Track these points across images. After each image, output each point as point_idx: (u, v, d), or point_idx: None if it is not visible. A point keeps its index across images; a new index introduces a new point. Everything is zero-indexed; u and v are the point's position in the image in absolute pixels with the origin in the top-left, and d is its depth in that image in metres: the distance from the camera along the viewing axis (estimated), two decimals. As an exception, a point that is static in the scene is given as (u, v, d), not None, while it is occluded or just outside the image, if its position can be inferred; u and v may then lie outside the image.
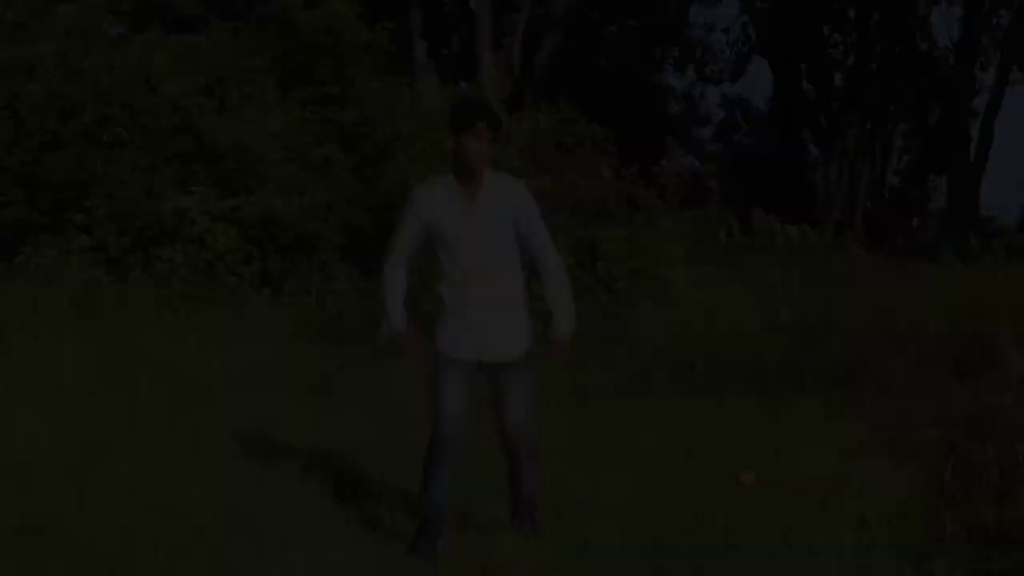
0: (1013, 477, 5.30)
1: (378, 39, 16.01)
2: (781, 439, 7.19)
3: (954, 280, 9.96)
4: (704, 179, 15.03)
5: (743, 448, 7.01)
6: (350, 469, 6.54)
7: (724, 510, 5.56)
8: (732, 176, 35.20)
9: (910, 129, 33.21)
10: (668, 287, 10.17)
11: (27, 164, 13.81)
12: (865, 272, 9.76)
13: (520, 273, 5.13)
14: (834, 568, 4.78)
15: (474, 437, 5.42)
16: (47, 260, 12.65)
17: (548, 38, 22.92)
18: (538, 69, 22.97)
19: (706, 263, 10.97)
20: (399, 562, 5.13)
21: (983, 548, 4.68)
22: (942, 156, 30.20)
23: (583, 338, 9.94)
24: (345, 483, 6.21)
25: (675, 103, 39.78)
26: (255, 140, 13.24)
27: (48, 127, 13.78)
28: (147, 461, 6.54)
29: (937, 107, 28.61)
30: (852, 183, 27.65)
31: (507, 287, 5.08)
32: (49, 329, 10.50)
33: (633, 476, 6.41)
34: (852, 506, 5.59)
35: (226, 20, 18.18)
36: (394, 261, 5.19)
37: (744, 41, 34.18)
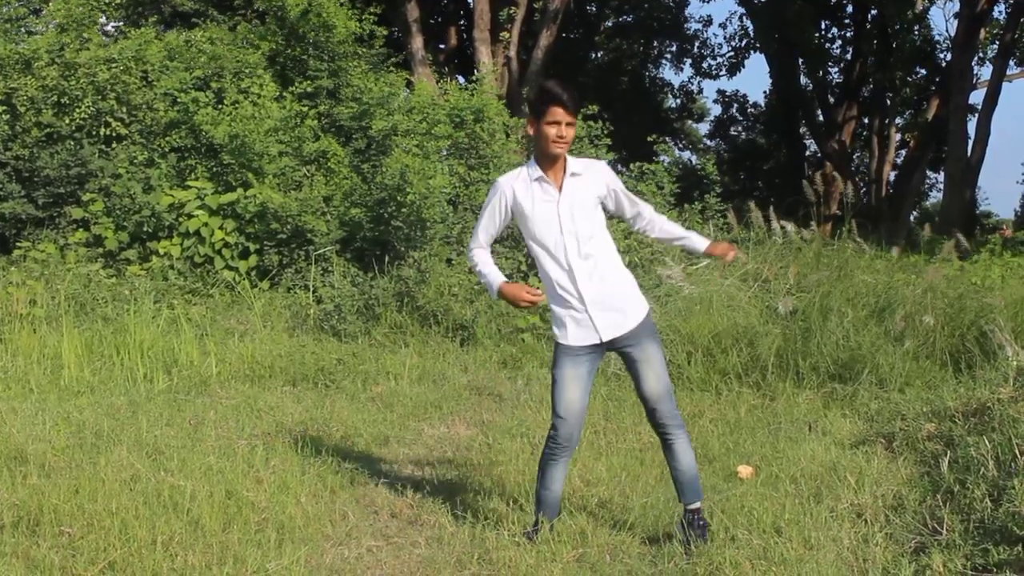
0: (1009, 471, 5.31)
1: (369, 30, 16.00)
2: (778, 432, 7.22)
3: (951, 274, 9.97)
4: (700, 173, 14.98)
5: (740, 441, 7.04)
6: (347, 462, 6.55)
7: (721, 502, 5.58)
8: (729, 170, 35.28)
9: (907, 123, 33.21)
10: (664, 281, 10.17)
11: (24, 159, 13.84)
12: (861, 266, 9.77)
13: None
14: (831, 561, 4.79)
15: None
16: (44, 254, 12.67)
17: (545, 32, 22.88)
18: (535, 63, 22.93)
19: (702, 257, 10.96)
20: (396, 554, 5.15)
21: (980, 541, 4.70)
22: (939, 150, 30.23)
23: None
24: (342, 476, 6.22)
25: (672, 97, 39.83)
26: (252, 134, 13.25)
27: (45, 121, 13.78)
28: (145, 454, 6.55)
29: (934, 101, 28.58)
30: (849, 177, 27.64)
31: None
32: (47, 322, 10.52)
33: (630, 468, 6.43)
34: (849, 499, 5.60)
35: (223, 14, 18.18)
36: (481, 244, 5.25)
37: (741, 36, 34.20)
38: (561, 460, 5.09)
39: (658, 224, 5.27)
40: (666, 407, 5.09)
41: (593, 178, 5.03)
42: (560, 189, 4.96)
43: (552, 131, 4.84)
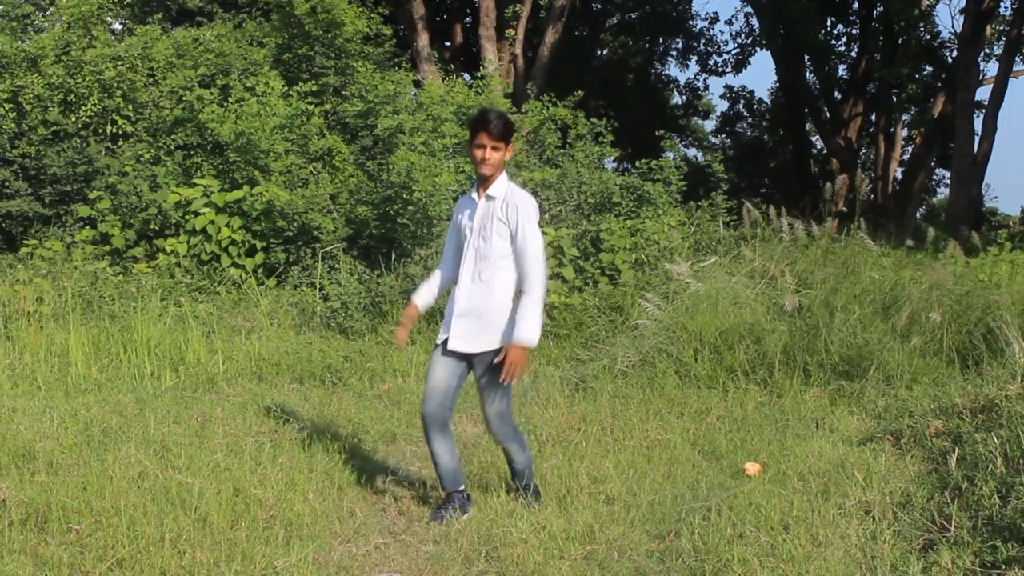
0: (1018, 467, 5.30)
1: (376, 28, 16.03)
2: (785, 429, 7.21)
3: (958, 271, 9.95)
4: (708, 171, 14.97)
5: (747, 438, 7.03)
6: (355, 459, 6.56)
7: (729, 500, 5.57)
8: (735, 167, 35.23)
9: (913, 120, 33.15)
10: (671, 278, 10.16)
11: (30, 156, 13.86)
12: (868, 263, 9.75)
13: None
14: (839, 558, 4.79)
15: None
16: (51, 252, 12.68)
17: (551, 29, 22.88)
18: (541, 61, 22.94)
19: (709, 254, 10.96)
20: (404, 551, 5.15)
21: (988, 538, 4.69)
22: (945, 147, 30.17)
23: (587, 330, 10.00)
24: (350, 473, 6.22)
25: (678, 94, 39.81)
26: (258, 132, 13.26)
27: (51, 119, 13.80)
28: (153, 451, 6.56)
29: (940, 98, 28.51)
30: (855, 174, 27.60)
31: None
32: (54, 320, 10.53)
33: (638, 466, 6.42)
34: (857, 496, 5.59)
35: (228, 12, 18.20)
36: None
37: (747, 32, 34.17)
38: (434, 436, 5.51)
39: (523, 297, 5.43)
40: (492, 426, 5.56)
41: (505, 208, 5.35)
42: (477, 206, 5.44)
43: (476, 153, 5.34)
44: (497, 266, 5.36)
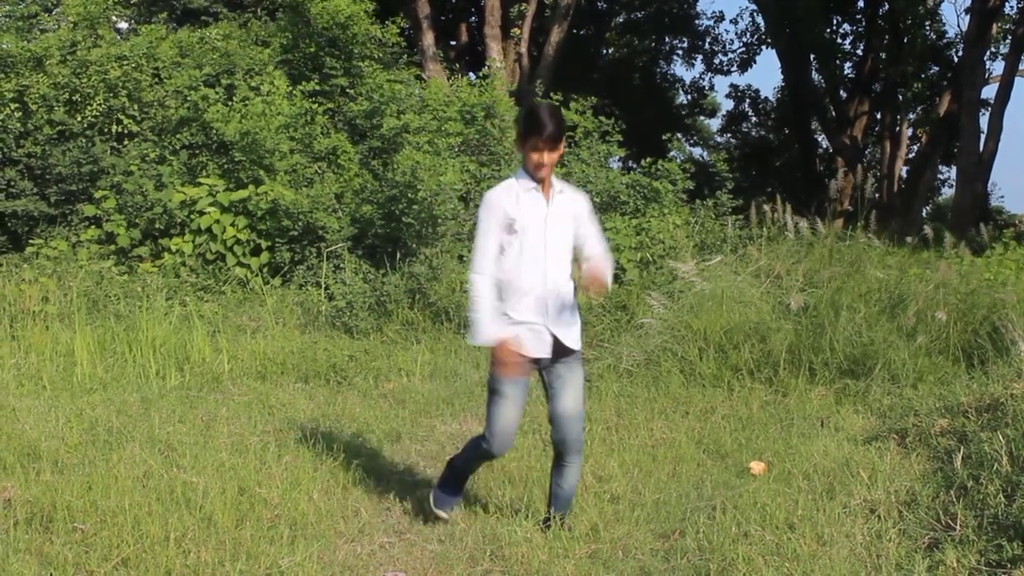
0: (1023, 467, 5.29)
1: (389, 35, 16.09)
2: (790, 428, 7.20)
3: (963, 269, 9.94)
4: (712, 170, 14.97)
5: (752, 437, 7.02)
6: (360, 458, 6.56)
7: (734, 498, 5.57)
8: (740, 166, 35.20)
9: (919, 119, 33.10)
10: (676, 277, 10.15)
11: (36, 156, 13.89)
12: (873, 261, 9.74)
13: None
14: (844, 557, 4.79)
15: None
16: (56, 251, 12.71)
17: (556, 28, 22.88)
18: (546, 60, 22.93)
19: (715, 253, 10.95)
20: (408, 550, 5.15)
21: (993, 537, 4.68)
22: (951, 146, 30.12)
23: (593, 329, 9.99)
24: (355, 472, 6.22)
25: (683, 93, 39.76)
26: (263, 131, 13.27)
27: (56, 119, 13.82)
28: (158, 451, 6.56)
29: (946, 97, 28.46)
30: (861, 173, 27.59)
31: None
32: (59, 319, 10.55)
33: (643, 464, 6.42)
34: (862, 495, 5.59)
35: (233, 11, 18.21)
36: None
37: (752, 31, 34.12)
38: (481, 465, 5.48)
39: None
40: (576, 428, 5.14)
41: (572, 203, 5.17)
42: (548, 202, 5.06)
43: (533, 157, 4.96)
44: (567, 261, 5.12)
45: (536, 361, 5.05)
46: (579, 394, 5.12)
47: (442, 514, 5.42)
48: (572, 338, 5.10)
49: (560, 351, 5.06)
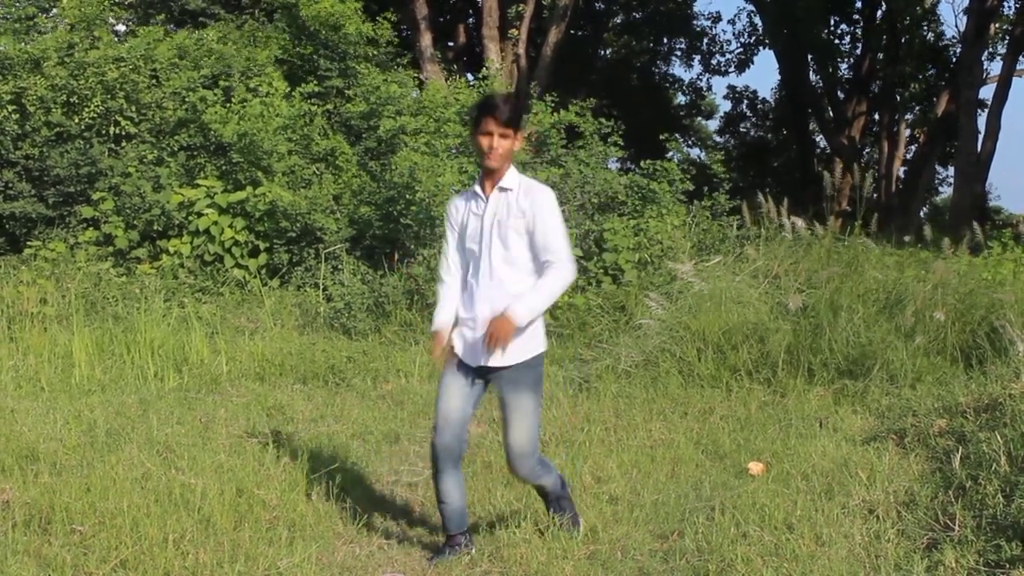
0: (1021, 466, 5.29)
1: (382, 31, 16.06)
2: (789, 429, 7.20)
3: (961, 270, 9.94)
4: (710, 171, 14.97)
5: (751, 437, 7.02)
6: (358, 460, 6.56)
7: (733, 499, 5.57)
8: (738, 167, 35.23)
9: (917, 119, 33.12)
10: (675, 278, 10.15)
11: (34, 158, 13.88)
12: (872, 262, 9.74)
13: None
14: (843, 557, 4.78)
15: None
16: (55, 253, 12.71)
17: (554, 29, 22.89)
18: (544, 60, 22.94)
19: (713, 254, 10.95)
20: (407, 553, 5.15)
21: (992, 537, 4.68)
22: (949, 146, 30.13)
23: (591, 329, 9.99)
24: (353, 474, 6.22)
25: (682, 94, 39.77)
26: (261, 133, 13.27)
27: (54, 121, 13.82)
28: (156, 452, 6.56)
29: (944, 97, 28.49)
30: (859, 173, 27.62)
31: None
32: (57, 321, 10.55)
33: (641, 465, 6.42)
34: (860, 495, 5.58)
35: (231, 13, 18.21)
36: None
37: (750, 32, 34.12)
38: (446, 472, 4.90)
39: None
40: (522, 466, 4.88)
41: (520, 200, 4.81)
42: (487, 202, 4.85)
43: (483, 142, 4.74)
44: (518, 267, 4.78)
45: (478, 369, 4.84)
46: (524, 427, 4.81)
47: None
48: (501, 355, 4.75)
49: (495, 364, 4.78)
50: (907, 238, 10.66)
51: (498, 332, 4.64)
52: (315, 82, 14.96)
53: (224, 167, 13.86)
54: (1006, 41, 26.57)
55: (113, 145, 14.26)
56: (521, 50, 22.95)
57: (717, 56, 35.49)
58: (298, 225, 12.87)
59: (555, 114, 14.45)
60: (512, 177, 4.85)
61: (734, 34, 40.12)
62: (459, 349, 4.87)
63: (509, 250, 4.80)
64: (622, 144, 14.23)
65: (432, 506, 5.74)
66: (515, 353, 4.78)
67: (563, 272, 4.79)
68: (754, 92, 40.30)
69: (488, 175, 4.85)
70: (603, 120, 14.28)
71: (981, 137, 23.86)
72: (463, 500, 5.03)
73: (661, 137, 15.85)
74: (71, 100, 13.99)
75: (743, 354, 8.61)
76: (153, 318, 10.32)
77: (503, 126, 4.71)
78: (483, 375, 4.87)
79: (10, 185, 13.88)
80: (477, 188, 4.90)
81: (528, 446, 4.83)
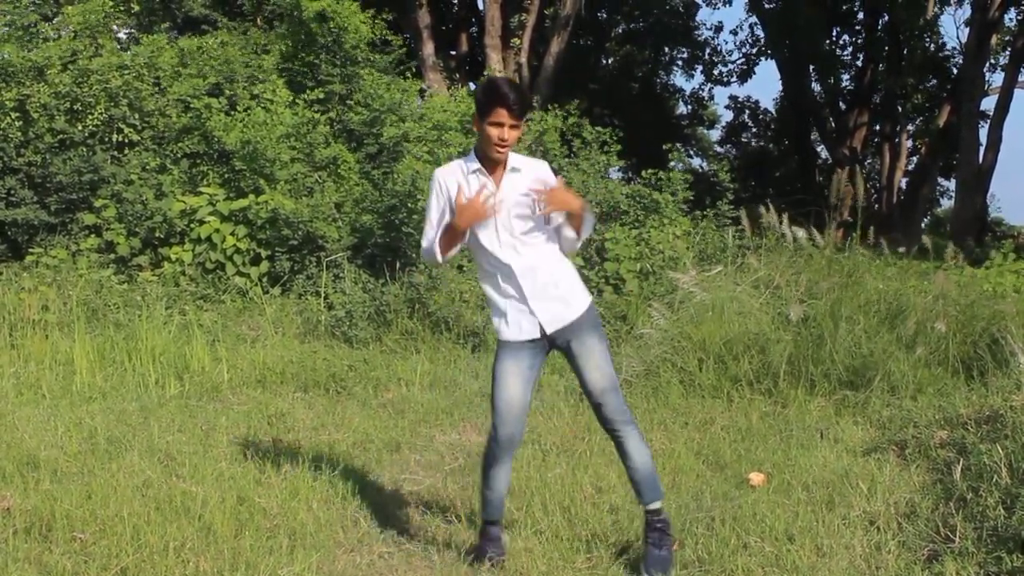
0: (1023, 478, 5.29)
1: (383, 36, 16.06)
2: (789, 439, 7.20)
3: (963, 281, 9.95)
4: (713, 180, 14.97)
5: (752, 448, 7.02)
6: (359, 468, 6.56)
7: (733, 510, 5.57)
8: (740, 177, 35.27)
9: (918, 130, 33.17)
10: (676, 288, 10.16)
11: (36, 165, 13.91)
12: (873, 272, 9.74)
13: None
14: (843, 568, 4.78)
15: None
16: (56, 260, 12.73)
17: (556, 39, 22.94)
18: (546, 69, 22.99)
19: (715, 264, 10.95)
20: (408, 560, 5.15)
21: (993, 549, 4.68)
22: (951, 157, 30.18)
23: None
24: (354, 482, 6.22)
25: (683, 104, 39.83)
26: (264, 140, 13.29)
27: (57, 128, 13.85)
28: (157, 460, 6.57)
29: (946, 108, 28.54)
30: (860, 183, 27.65)
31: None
32: (59, 328, 10.56)
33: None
34: (861, 506, 5.59)
35: (233, 20, 18.25)
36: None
37: (752, 42, 34.21)
38: (502, 461, 4.96)
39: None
40: (611, 401, 4.84)
41: (532, 176, 4.85)
42: (499, 184, 4.82)
43: (495, 133, 4.69)
44: (538, 237, 4.83)
45: (537, 341, 4.84)
46: (602, 365, 4.82)
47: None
48: (566, 311, 4.83)
49: (561, 326, 4.82)
50: (901, 249, 10.66)
51: (558, 194, 4.75)
52: (319, 88, 14.96)
53: (227, 175, 13.88)
54: (1007, 53, 26.63)
55: (116, 152, 14.28)
56: (523, 59, 23.00)
57: (719, 66, 35.57)
58: (300, 233, 12.88)
59: (563, 121, 14.45)
60: (514, 158, 4.88)
61: (736, 44, 40.24)
62: (515, 332, 4.83)
63: (527, 223, 4.82)
64: (621, 152, 14.20)
65: (433, 515, 5.75)
66: (576, 305, 4.84)
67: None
68: (756, 102, 40.41)
69: (488, 164, 4.83)
70: (600, 128, 14.27)
71: (982, 149, 23.90)
72: (508, 488, 5.11)
73: (664, 147, 15.88)
74: (74, 107, 14.02)
75: (744, 364, 8.61)
76: (154, 325, 10.33)
77: (515, 117, 4.69)
78: (543, 348, 4.89)
79: (12, 192, 13.90)
80: (477, 166, 4.84)
81: (611, 380, 4.85)
